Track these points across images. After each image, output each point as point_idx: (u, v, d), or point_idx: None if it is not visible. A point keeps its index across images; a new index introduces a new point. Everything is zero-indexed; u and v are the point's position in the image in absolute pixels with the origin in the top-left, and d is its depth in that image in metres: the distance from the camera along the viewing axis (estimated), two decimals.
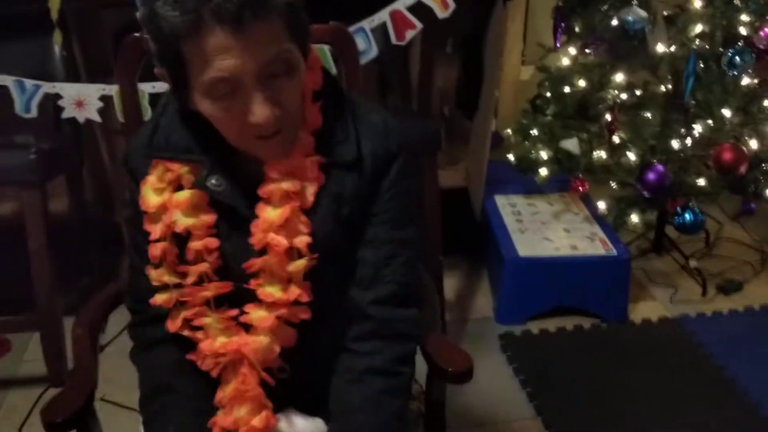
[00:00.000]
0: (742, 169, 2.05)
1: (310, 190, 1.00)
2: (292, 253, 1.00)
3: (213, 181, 1.01)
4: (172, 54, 0.89)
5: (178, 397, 1.07)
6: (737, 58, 1.97)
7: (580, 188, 2.29)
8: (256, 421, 1.03)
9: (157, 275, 1.05)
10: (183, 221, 1.01)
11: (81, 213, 2.33)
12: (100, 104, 1.96)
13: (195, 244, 1.02)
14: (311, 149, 1.01)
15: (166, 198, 1.02)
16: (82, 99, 1.99)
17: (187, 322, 1.05)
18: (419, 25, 2.05)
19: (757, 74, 2.06)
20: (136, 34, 1.26)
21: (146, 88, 1.74)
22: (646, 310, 2.40)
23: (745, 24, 1.96)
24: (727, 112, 2.07)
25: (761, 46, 1.98)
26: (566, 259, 2.28)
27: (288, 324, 1.03)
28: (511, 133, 2.52)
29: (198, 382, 1.09)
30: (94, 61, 2.31)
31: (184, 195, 1.01)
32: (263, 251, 1.01)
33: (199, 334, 1.05)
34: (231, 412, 1.04)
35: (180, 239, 1.03)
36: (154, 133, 1.03)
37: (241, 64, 0.87)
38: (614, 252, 2.28)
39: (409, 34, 2.07)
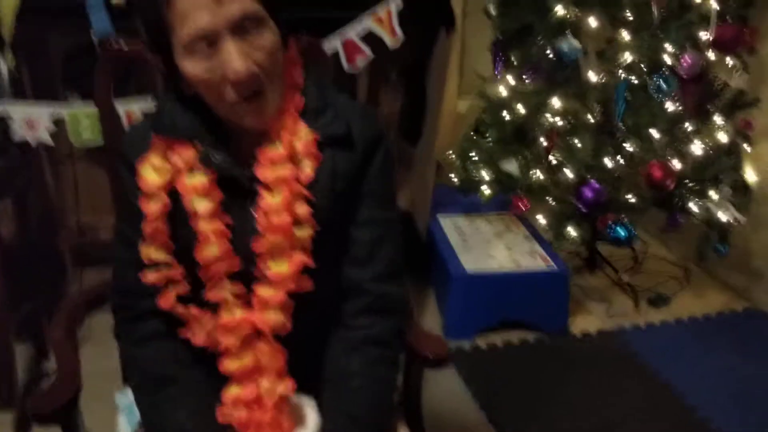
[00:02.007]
0: (670, 184, 2.22)
1: (310, 165, 1.07)
2: (296, 224, 1.06)
3: (217, 156, 1.06)
4: (155, 22, 0.96)
5: (183, 387, 1.10)
6: (663, 84, 2.15)
7: (521, 206, 2.41)
8: (282, 389, 1.07)
9: (146, 252, 1.08)
10: (203, 205, 1.06)
11: (26, 237, 2.28)
12: (53, 127, 1.95)
13: (209, 226, 1.06)
14: (296, 124, 1.07)
15: (167, 178, 1.06)
16: (34, 120, 1.98)
17: (178, 300, 1.08)
18: (370, 53, 2.15)
19: (680, 100, 2.24)
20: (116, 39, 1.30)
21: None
22: (585, 323, 2.53)
23: (668, 53, 2.15)
24: (655, 133, 2.25)
25: (683, 74, 2.17)
26: (510, 274, 2.39)
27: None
28: (454, 156, 2.63)
29: (200, 373, 1.12)
30: (42, 84, 2.30)
31: (200, 179, 1.06)
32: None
33: (192, 310, 1.08)
34: (251, 385, 1.08)
35: (172, 218, 1.07)
36: (159, 115, 1.08)
37: (213, 19, 0.94)
38: (554, 267, 2.41)
39: (361, 62, 2.17)
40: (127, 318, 1.15)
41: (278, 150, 1.06)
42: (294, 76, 1.10)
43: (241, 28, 0.96)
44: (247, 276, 1.09)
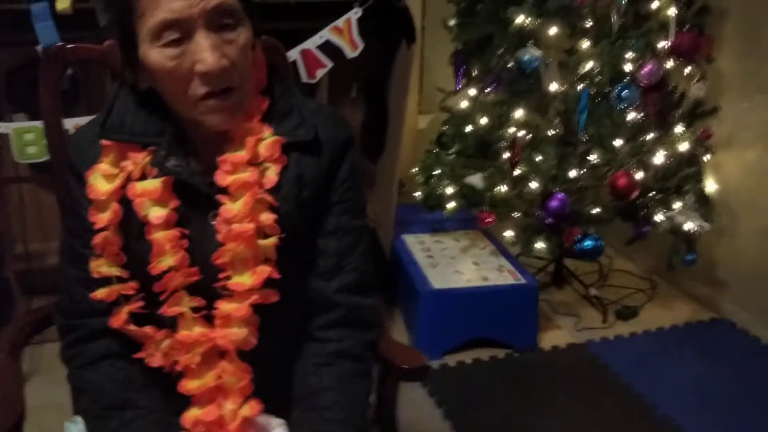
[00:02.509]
0: (635, 194, 2.20)
1: (273, 170, 1.00)
2: (259, 233, 0.99)
3: (173, 161, 0.98)
4: (121, 2, 0.89)
5: (138, 411, 1.01)
6: (625, 92, 2.15)
7: (487, 220, 2.37)
8: (246, 410, 0.99)
9: (96, 266, 0.99)
10: (155, 211, 0.98)
11: None
12: None
13: (164, 234, 0.98)
14: (260, 127, 1.00)
15: (117, 185, 0.98)
16: None
17: (130, 318, 1.00)
18: (329, 64, 2.10)
19: (642, 109, 2.24)
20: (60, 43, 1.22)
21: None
22: (554, 338, 2.49)
23: (629, 61, 2.15)
24: (618, 142, 2.24)
25: (643, 83, 2.17)
26: (479, 290, 2.34)
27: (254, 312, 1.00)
28: (417, 171, 2.59)
29: (157, 395, 1.03)
30: None
31: (153, 184, 0.98)
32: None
33: (147, 330, 1.00)
34: (212, 407, 0.99)
35: (124, 229, 0.99)
36: (108, 116, 1.00)
37: (189, 6, 0.88)
38: (523, 280, 2.37)
39: (320, 73, 2.11)
40: (75, 339, 1.05)
41: (241, 154, 0.99)
42: (258, 77, 1.03)
43: (216, 22, 0.90)
44: (207, 290, 1.01)
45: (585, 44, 2.21)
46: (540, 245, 2.35)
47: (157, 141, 0.99)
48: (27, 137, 1.84)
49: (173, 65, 0.90)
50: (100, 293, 1.00)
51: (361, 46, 2.11)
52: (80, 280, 1.03)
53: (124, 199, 1.00)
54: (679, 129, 2.32)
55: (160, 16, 0.87)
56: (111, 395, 1.01)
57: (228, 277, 1.00)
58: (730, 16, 2.42)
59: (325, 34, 2.08)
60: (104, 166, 0.99)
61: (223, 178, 0.99)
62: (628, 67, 2.16)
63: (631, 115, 2.25)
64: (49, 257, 2.41)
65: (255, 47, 0.99)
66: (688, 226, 2.36)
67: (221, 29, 0.91)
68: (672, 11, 2.17)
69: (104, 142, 1.00)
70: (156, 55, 0.90)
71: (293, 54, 2.07)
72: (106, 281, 1.01)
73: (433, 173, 2.55)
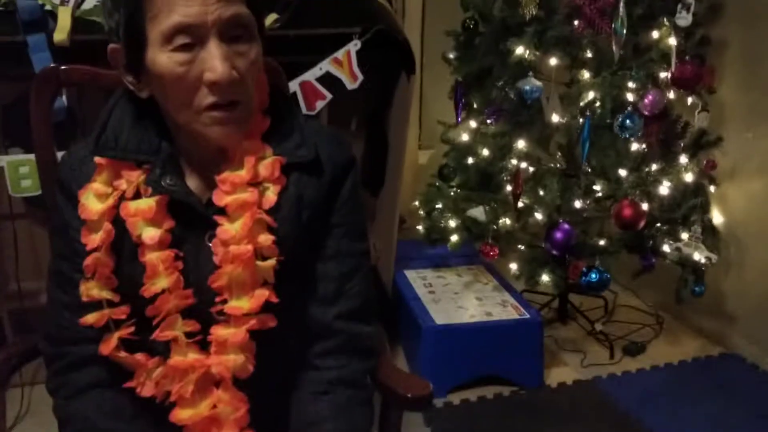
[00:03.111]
0: (641, 224, 2.16)
1: (273, 191, 0.96)
2: (257, 255, 0.95)
3: (168, 180, 0.94)
4: (133, 2, 0.86)
5: None
6: (628, 121, 2.12)
7: (491, 253, 2.33)
8: None
9: (86, 289, 0.95)
10: (149, 231, 0.94)
11: None
12: None
13: (157, 255, 0.94)
14: (260, 146, 0.97)
15: (110, 204, 0.94)
16: None
17: (121, 344, 0.95)
18: (329, 96, 2.08)
19: (645, 139, 2.22)
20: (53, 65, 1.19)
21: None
22: (560, 375, 2.42)
23: (631, 91, 2.14)
24: (622, 173, 2.21)
25: (646, 112, 2.15)
26: (482, 325, 2.28)
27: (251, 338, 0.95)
28: (418, 205, 2.56)
29: (146, 426, 0.99)
30: None
31: (148, 203, 0.94)
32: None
33: (138, 357, 0.95)
34: None
35: (116, 250, 0.95)
36: (102, 133, 0.96)
37: (204, 12, 0.85)
38: (527, 316, 2.32)
39: (320, 104, 2.10)
40: (62, 367, 1.00)
41: (240, 174, 0.95)
42: (261, 97, 1.00)
43: (229, 33, 0.88)
44: (202, 315, 0.96)
45: (586, 75, 2.19)
46: (545, 278, 2.30)
47: (152, 159, 0.96)
48: (21, 170, 1.81)
49: (182, 71, 0.87)
50: (90, 318, 0.96)
51: (360, 77, 2.10)
52: (68, 305, 0.99)
53: (116, 220, 0.96)
54: (683, 159, 2.29)
55: (174, 20, 0.85)
56: (98, 427, 0.96)
57: (224, 301, 0.96)
58: (730, 47, 2.41)
59: (325, 66, 2.07)
60: (97, 185, 0.96)
61: (221, 198, 0.95)
62: (630, 97, 2.14)
63: (635, 146, 2.23)
64: (43, 295, 2.35)
65: (260, 68, 0.97)
66: (697, 257, 2.31)
67: (233, 41, 0.89)
68: (672, 41, 2.16)
69: (98, 159, 0.96)
70: (165, 59, 0.87)
71: (293, 86, 2.06)
72: (95, 306, 0.96)
73: (435, 206, 2.51)
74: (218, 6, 0.86)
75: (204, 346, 0.97)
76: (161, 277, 0.94)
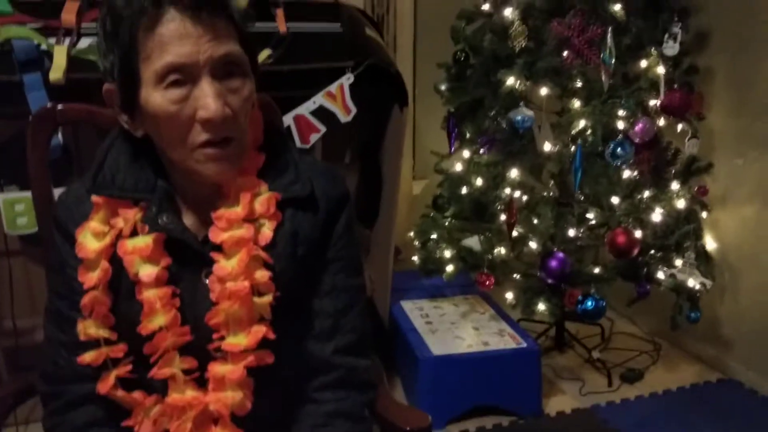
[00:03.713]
0: (635, 251, 2.17)
1: (268, 227, 0.97)
2: (254, 291, 0.95)
3: (164, 218, 0.95)
4: (126, 43, 0.87)
5: None
6: (619, 149, 2.15)
7: (487, 283, 2.33)
8: None
9: (83, 328, 0.95)
10: (146, 269, 0.94)
11: None
12: None
13: (155, 293, 0.94)
14: (255, 183, 0.98)
15: (108, 242, 0.94)
16: None
17: (118, 383, 0.95)
18: (323, 129, 2.10)
19: (637, 166, 2.24)
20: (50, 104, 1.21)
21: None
22: (559, 403, 2.41)
23: (621, 119, 2.16)
24: (615, 200, 2.23)
25: (637, 140, 2.18)
26: (480, 355, 2.28)
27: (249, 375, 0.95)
28: (413, 236, 2.56)
29: None
30: None
31: (145, 241, 0.95)
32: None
33: (135, 395, 0.95)
34: None
35: (113, 288, 0.95)
36: (98, 172, 0.97)
37: (196, 51, 0.86)
38: (524, 344, 2.31)
39: (314, 137, 2.11)
40: (59, 407, 1.00)
41: (236, 211, 0.96)
42: (255, 134, 1.01)
43: (221, 71, 0.89)
44: (199, 352, 0.96)
45: (576, 104, 2.22)
46: (541, 307, 2.30)
47: (148, 197, 0.97)
48: (17, 208, 1.81)
49: (175, 109, 0.88)
50: (87, 357, 0.96)
51: (354, 110, 2.12)
52: (65, 343, 0.99)
53: (113, 258, 0.96)
54: (675, 186, 2.31)
55: (167, 59, 0.86)
56: None
57: (222, 338, 0.96)
58: (718, 75, 2.45)
59: (319, 100, 2.09)
60: (94, 223, 0.96)
61: (217, 235, 0.96)
62: (620, 125, 2.16)
63: (627, 173, 2.25)
64: (38, 333, 2.34)
65: (254, 104, 0.98)
66: (691, 283, 2.32)
67: (226, 77, 0.90)
68: (660, 70, 2.19)
69: (95, 198, 0.97)
70: (159, 98, 0.88)
71: (287, 119, 2.07)
72: (93, 344, 0.96)
73: (430, 237, 2.52)
74: (210, 45, 0.87)
75: (202, 383, 0.97)
76: (159, 314, 0.94)
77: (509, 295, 2.42)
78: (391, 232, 2.53)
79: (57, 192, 1.28)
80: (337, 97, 2.11)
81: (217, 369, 0.96)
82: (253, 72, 0.95)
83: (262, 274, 0.96)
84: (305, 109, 2.09)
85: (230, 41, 0.90)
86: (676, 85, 2.22)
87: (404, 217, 3.04)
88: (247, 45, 0.93)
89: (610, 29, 2.07)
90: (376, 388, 1.07)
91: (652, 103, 2.22)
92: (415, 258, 2.59)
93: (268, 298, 0.96)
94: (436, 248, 2.45)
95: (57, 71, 1.80)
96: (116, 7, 0.87)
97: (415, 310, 2.59)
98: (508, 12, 2.20)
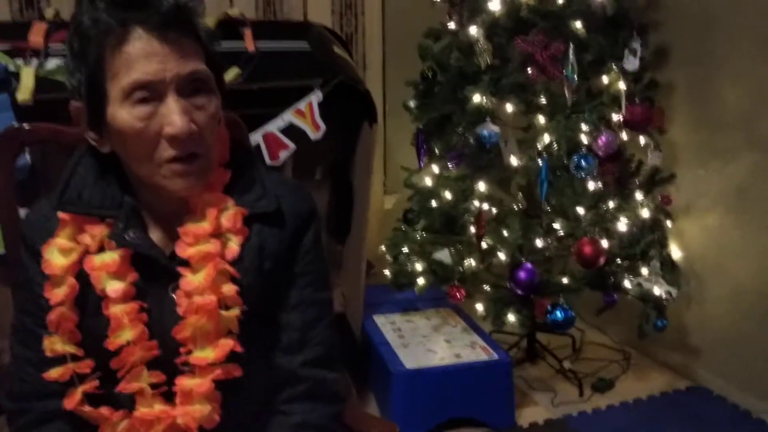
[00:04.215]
0: (601, 261, 2.22)
1: (235, 241, 0.99)
2: (221, 305, 0.96)
3: (131, 234, 0.96)
4: (93, 61, 0.89)
5: None
6: (583, 161, 2.19)
7: (458, 295, 2.35)
8: None
9: (50, 344, 0.95)
10: (113, 285, 0.95)
11: None
12: None
13: (122, 308, 0.95)
14: (222, 198, 1.00)
15: (74, 259, 0.95)
16: None
17: (85, 398, 0.95)
18: (292, 146, 2.12)
19: (601, 178, 2.29)
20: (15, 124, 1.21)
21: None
22: (532, 414, 2.44)
23: (585, 133, 2.21)
24: (581, 210, 2.27)
25: (600, 153, 2.23)
26: (452, 368, 2.29)
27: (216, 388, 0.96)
28: (385, 250, 2.58)
29: None
30: None
31: (111, 257, 0.96)
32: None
33: (102, 411, 0.95)
34: None
35: (80, 304, 0.96)
36: (65, 189, 0.99)
37: (163, 69, 0.88)
38: (496, 356, 2.34)
39: (283, 155, 2.14)
40: (25, 424, 1.00)
41: (203, 226, 0.98)
42: (221, 151, 1.03)
43: (187, 88, 0.91)
44: (167, 366, 0.97)
45: (541, 119, 2.27)
46: (511, 318, 2.33)
47: (115, 213, 0.98)
48: None
49: (142, 126, 0.90)
50: (54, 373, 0.96)
51: (323, 128, 2.14)
52: (31, 360, 0.99)
53: (80, 274, 0.97)
54: (639, 196, 2.36)
55: (133, 77, 0.88)
56: None
57: (189, 352, 0.97)
58: (678, 89, 2.52)
59: (288, 117, 2.11)
60: (61, 240, 0.97)
61: (184, 250, 0.97)
62: (584, 139, 2.21)
63: (591, 185, 2.29)
64: (5, 355, 2.32)
65: (220, 121, 1.00)
66: (657, 292, 2.37)
67: (192, 95, 0.92)
68: (622, 85, 2.25)
69: (61, 215, 0.98)
70: (125, 115, 0.90)
71: (256, 137, 2.09)
72: (59, 360, 0.97)
73: (402, 251, 2.55)
74: (176, 64, 0.89)
75: (169, 397, 0.97)
76: (126, 329, 0.95)
77: (480, 307, 2.44)
78: (362, 247, 2.55)
79: (24, 213, 1.29)
80: (306, 115, 2.13)
81: (184, 383, 0.97)
82: (219, 89, 0.97)
83: (229, 288, 0.97)
84: (274, 126, 2.12)
85: (196, 59, 0.92)
86: (637, 100, 2.28)
87: (376, 231, 3.06)
88: (212, 63, 0.95)
89: (572, 46, 2.12)
90: (344, 400, 1.08)
91: (615, 117, 2.28)
92: (387, 272, 2.61)
93: (235, 312, 0.97)
94: (408, 262, 2.48)
95: (25, 92, 1.81)
96: (83, 27, 0.89)
97: (387, 324, 2.60)
98: (473, 30, 2.25)
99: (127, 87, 0.88)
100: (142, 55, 0.88)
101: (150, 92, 0.89)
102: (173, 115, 0.89)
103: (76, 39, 0.90)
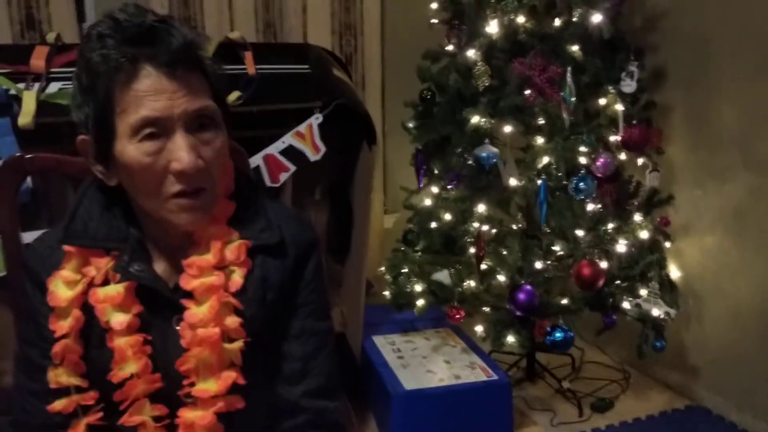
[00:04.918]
0: (600, 282, 2.22)
1: (239, 273, 0.99)
2: (224, 337, 0.97)
3: (136, 266, 0.97)
4: (102, 97, 0.90)
5: None
6: (581, 183, 2.21)
7: (457, 316, 2.36)
8: None
9: (54, 376, 0.96)
10: (117, 317, 0.96)
11: None
12: None
13: (126, 340, 0.96)
14: (226, 231, 1.00)
15: (79, 291, 0.96)
16: None
17: (89, 430, 0.96)
18: (292, 168, 2.13)
19: (600, 200, 2.30)
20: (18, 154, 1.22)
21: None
22: None
23: (583, 154, 2.23)
24: (580, 232, 2.28)
25: (599, 174, 2.24)
26: (452, 388, 2.30)
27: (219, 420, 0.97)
28: (384, 270, 2.59)
29: None
30: None
31: (116, 289, 0.97)
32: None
33: None
34: None
35: (84, 336, 0.96)
36: (71, 221, 0.99)
37: (171, 106, 0.89)
38: (495, 377, 2.34)
39: (283, 176, 2.14)
40: None
41: (207, 258, 0.99)
42: (226, 183, 1.04)
43: (195, 123, 0.93)
44: (170, 398, 0.98)
45: (539, 140, 2.28)
46: (510, 339, 2.34)
47: (120, 246, 0.99)
48: None
49: (149, 161, 0.91)
50: (58, 405, 0.96)
51: (323, 149, 2.16)
52: (35, 392, 0.99)
53: (85, 306, 0.98)
54: (638, 217, 2.37)
55: (142, 114, 0.89)
56: None
57: (192, 384, 0.97)
58: (675, 110, 2.54)
59: (288, 139, 2.12)
60: (66, 272, 0.98)
61: (188, 282, 0.98)
62: (582, 160, 2.23)
63: (590, 206, 2.30)
64: (4, 377, 2.32)
65: (226, 154, 1.01)
66: (656, 312, 2.37)
67: (199, 130, 0.93)
68: (619, 107, 2.27)
69: (66, 247, 0.99)
70: (133, 150, 0.91)
71: (256, 159, 2.10)
72: (63, 392, 0.97)
73: (401, 271, 2.55)
74: (185, 100, 0.90)
75: (172, 429, 0.98)
76: (130, 362, 0.96)
77: (479, 328, 2.45)
78: (362, 267, 2.55)
79: (25, 236, 1.30)
80: (306, 137, 2.14)
81: (187, 415, 0.97)
82: (225, 123, 0.98)
83: (233, 321, 0.98)
84: (275, 148, 2.13)
85: (204, 96, 0.93)
86: (635, 121, 2.29)
87: (376, 251, 3.06)
88: (219, 98, 0.97)
89: (569, 68, 2.14)
90: (344, 429, 1.08)
91: (613, 138, 2.29)
92: (386, 292, 2.61)
93: (238, 344, 0.98)
94: (407, 282, 2.48)
95: (26, 116, 1.82)
96: (93, 63, 0.90)
97: (386, 344, 2.60)
98: (472, 53, 2.27)
99: (135, 123, 0.89)
100: (151, 92, 0.89)
101: (158, 128, 0.90)
102: (181, 152, 0.90)
103: (85, 74, 0.91)
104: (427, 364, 2.44)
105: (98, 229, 0.99)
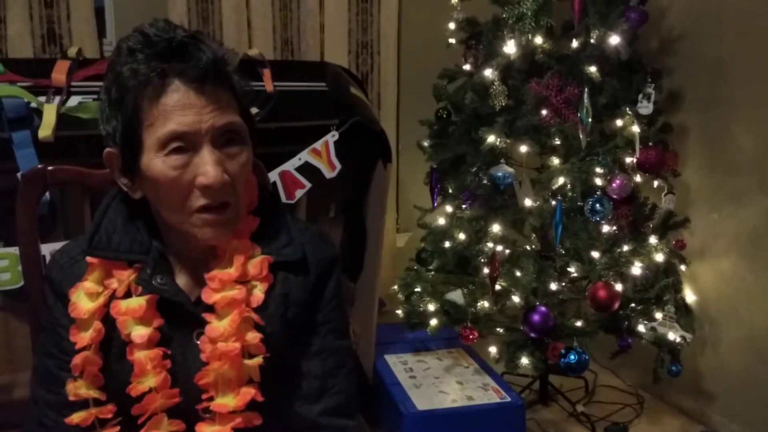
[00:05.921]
0: (616, 305, 2.20)
1: (260, 288, 0.99)
2: (244, 353, 0.96)
3: (158, 279, 0.97)
4: (131, 111, 0.90)
5: None
6: (597, 205, 2.20)
7: (470, 337, 2.34)
8: None
9: (74, 388, 0.95)
10: (138, 330, 0.96)
11: None
12: None
13: (146, 354, 0.95)
14: (249, 246, 1.00)
15: (101, 303, 0.96)
16: None
17: None
18: (308, 185, 2.14)
19: (615, 221, 2.29)
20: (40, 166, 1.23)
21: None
22: None
23: (599, 176, 2.22)
24: (595, 255, 2.27)
25: (615, 196, 2.23)
26: (464, 410, 2.27)
27: None
28: (397, 289, 2.58)
29: None
30: None
31: (138, 302, 0.97)
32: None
33: None
34: None
35: (104, 349, 0.96)
36: (95, 233, 0.99)
37: (199, 121, 0.90)
38: (508, 399, 2.32)
39: (299, 193, 2.15)
40: None
41: (229, 272, 0.98)
42: (250, 198, 1.05)
43: (221, 139, 0.93)
44: (188, 412, 0.97)
45: (555, 161, 2.28)
46: (524, 360, 2.31)
47: (143, 258, 0.99)
48: (1, 264, 1.81)
49: (176, 175, 0.91)
50: (76, 418, 0.96)
51: (338, 167, 2.16)
52: (53, 404, 0.99)
53: (106, 318, 0.98)
54: (653, 240, 2.36)
55: (170, 128, 0.89)
56: None
57: (210, 398, 0.96)
58: (691, 132, 2.53)
59: (304, 156, 2.13)
60: (89, 284, 0.98)
61: (210, 296, 0.98)
62: (598, 182, 2.22)
63: (606, 228, 2.29)
64: (17, 390, 2.32)
65: (250, 170, 1.01)
66: (671, 336, 2.35)
67: (225, 145, 0.94)
68: (635, 129, 2.26)
69: (89, 259, 0.99)
70: (160, 164, 0.91)
71: (272, 176, 2.11)
72: (81, 405, 0.97)
73: (414, 290, 2.54)
74: (212, 116, 0.91)
75: None
76: (149, 375, 0.95)
77: (493, 349, 2.43)
78: (375, 285, 2.55)
79: (43, 248, 1.30)
80: (322, 154, 2.15)
81: (204, 430, 0.96)
82: (251, 138, 0.98)
83: (253, 336, 0.97)
84: (291, 165, 2.13)
85: (231, 111, 0.94)
86: (651, 143, 2.29)
87: (389, 269, 3.06)
88: (246, 114, 0.97)
89: (586, 89, 2.14)
90: None
91: (629, 160, 2.29)
92: (399, 311, 2.60)
93: (258, 360, 0.97)
94: (420, 302, 2.47)
95: (46, 129, 1.83)
96: (122, 77, 0.91)
97: (399, 364, 2.59)
98: (488, 72, 2.27)
99: (163, 137, 0.90)
100: (179, 107, 0.89)
101: (185, 143, 0.90)
102: (207, 166, 0.90)
103: (114, 87, 0.92)
104: (440, 385, 2.43)
105: (121, 241, 0.99)
